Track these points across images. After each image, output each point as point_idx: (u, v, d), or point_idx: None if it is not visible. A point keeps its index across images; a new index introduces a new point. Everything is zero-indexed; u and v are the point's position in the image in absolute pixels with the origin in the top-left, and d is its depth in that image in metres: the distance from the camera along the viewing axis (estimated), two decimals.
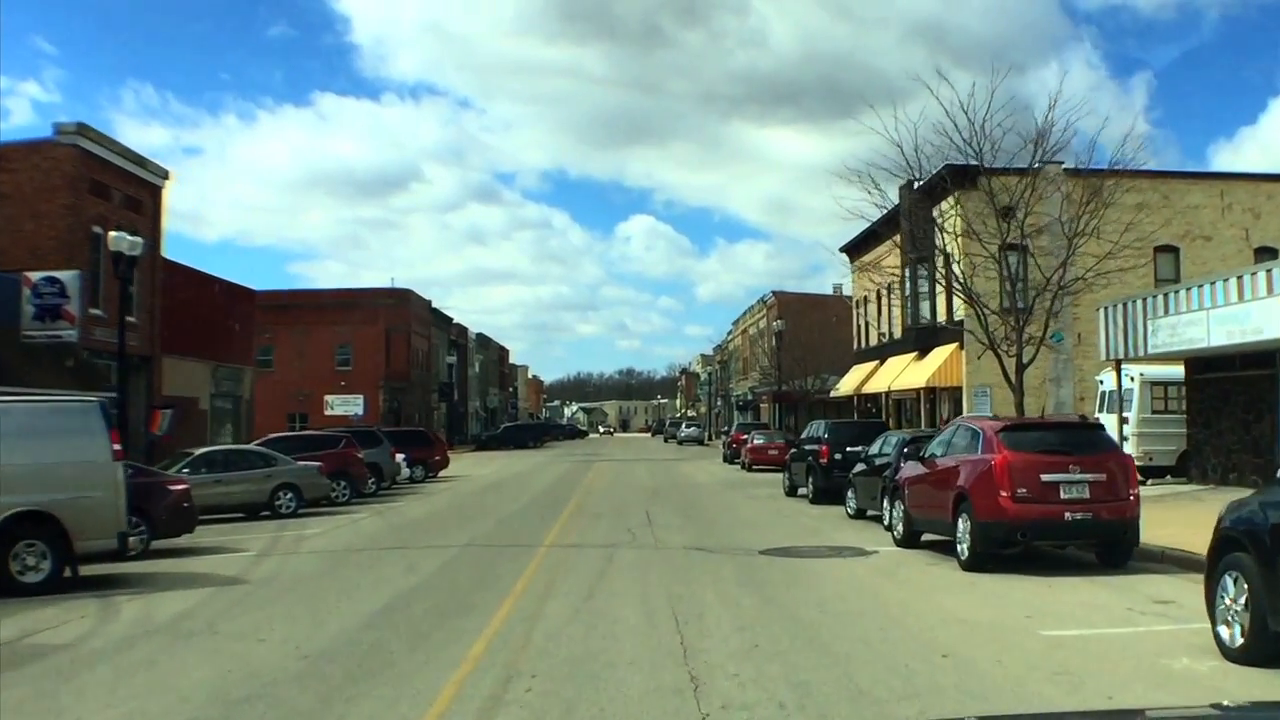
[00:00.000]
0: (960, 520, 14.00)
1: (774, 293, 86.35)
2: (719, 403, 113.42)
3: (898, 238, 51.61)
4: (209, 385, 41.23)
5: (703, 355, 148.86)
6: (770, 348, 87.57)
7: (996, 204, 30.94)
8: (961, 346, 41.38)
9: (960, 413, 42.55)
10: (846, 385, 53.93)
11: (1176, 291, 25.55)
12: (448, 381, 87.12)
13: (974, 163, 27.21)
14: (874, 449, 21.13)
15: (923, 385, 42.12)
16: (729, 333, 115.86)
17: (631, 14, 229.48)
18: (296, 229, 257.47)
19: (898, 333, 50.32)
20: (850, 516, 21.42)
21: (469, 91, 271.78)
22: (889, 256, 54.72)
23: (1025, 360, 25.57)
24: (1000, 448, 13.78)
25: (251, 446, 25.43)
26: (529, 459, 60.51)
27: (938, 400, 44.15)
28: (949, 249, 39.27)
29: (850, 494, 21.49)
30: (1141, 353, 26.86)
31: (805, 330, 57.57)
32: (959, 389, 41.59)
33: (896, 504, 16.71)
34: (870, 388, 51.57)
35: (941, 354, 42.44)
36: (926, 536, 16.13)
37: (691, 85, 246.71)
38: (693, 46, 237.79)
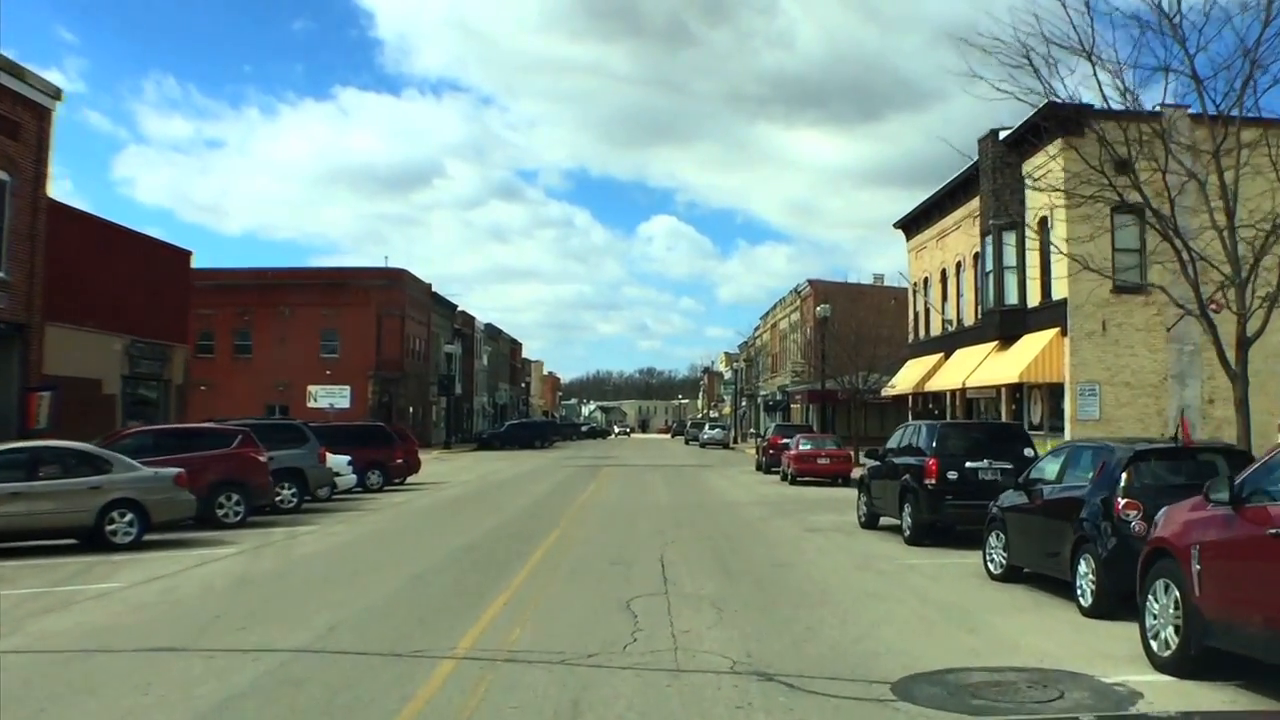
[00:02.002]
0: None
1: (810, 281, 77.80)
2: (744, 403, 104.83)
3: (975, 204, 43.08)
4: (119, 365, 33.10)
5: (726, 353, 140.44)
6: (807, 341, 79.14)
7: (1133, 151, 22.48)
8: (1064, 332, 32.81)
9: (1059, 415, 34.05)
10: (903, 382, 45.31)
11: None
12: (448, 374, 78.81)
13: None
14: (1048, 471, 12.66)
15: (1014, 380, 33.53)
16: (756, 328, 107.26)
17: (658, 11, 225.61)
18: (318, 223, 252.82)
19: (970, 319, 41.75)
20: (995, 576, 13.03)
21: (492, 88, 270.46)
22: (955, 232, 46.23)
23: (1251, 333, 16.97)
24: None
25: (78, 445, 17.21)
26: (529, 461, 52.27)
27: (1026, 399, 35.58)
28: (1045, 211, 31.02)
29: (996, 539, 13.09)
30: None
31: (846, 323, 48.93)
32: (1058, 386, 33.04)
33: (1160, 586, 8.22)
34: (935, 384, 42.96)
35: (1035, 342, 33.86)
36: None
37: (717, 85, 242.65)
38: (719, 46, 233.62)
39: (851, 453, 33.60)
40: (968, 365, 38.88)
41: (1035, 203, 35.70)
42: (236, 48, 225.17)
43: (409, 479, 34.15)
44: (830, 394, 68.09)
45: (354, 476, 27.95)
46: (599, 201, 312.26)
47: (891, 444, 18.96)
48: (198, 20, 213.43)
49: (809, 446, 33.16)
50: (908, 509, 16.93)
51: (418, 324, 75.87)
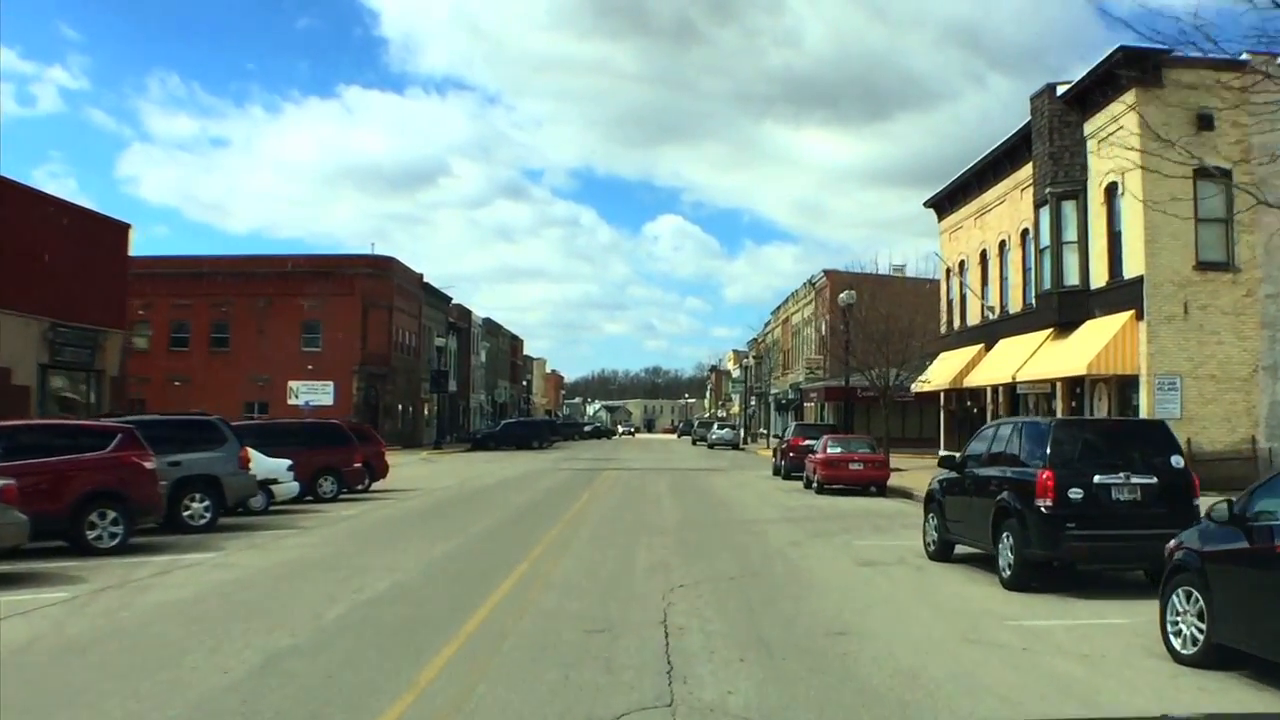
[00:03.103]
0: None
1: (825, 272, 73.04)
2: (753, 402, 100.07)
3: (1024, 173, 38.20)
4: (37, 351, 28.44)
5: (735, 351, 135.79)
6: (822, 336, 74.29)
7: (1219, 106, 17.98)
8: (1140, 316, 28.00)
9: (1131, 413, 29.28)
10: (938, 377, 40.48)
11: None
12: (441, 369, 74.02)
13: None
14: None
15: (1080, 372, 28.75)
16: (767, 323, 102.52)
17: (665, 10, 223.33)
18: (324, 222, 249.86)
19: (1016, 304, 36.96)
20: (1185, 658, 8.29)
21: (498, 87, 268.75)
22: (998, 207, 41.35)
23: None
24: None
25: None
26: (522, 464, 47.57)
27: (1088, 395, 30.81)
28: (1114, 175, 26.79)
29: (1187, 600, 8.36)
30: None
31: (872, 314, 43.96)
32: (1130, 379, 28.26)
33: None
34: (975, 379, 38.16)
35: (1102, 329, 29.08)
36: None
37: (724, 84, 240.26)
38: (726, 44, 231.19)
39: (887, 457, 28.80)
40: (1016, 356, 34.11)
41: (1100, 167, 30.93)
42: (240, 45, 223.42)
43: (374, 486, 29.49)
44: (850, 391, 63.00)
45: (296, 484, 23.23)
46: (605, 201, 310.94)
47: (974, 449, 14.21)
48: (200, 17, 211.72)
49: (839, 450, 28.38)
50: (1007, 540, 12.15)
51: (407, 316, 71.19)
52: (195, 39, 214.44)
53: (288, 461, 23.14)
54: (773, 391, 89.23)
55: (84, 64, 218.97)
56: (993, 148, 38.51)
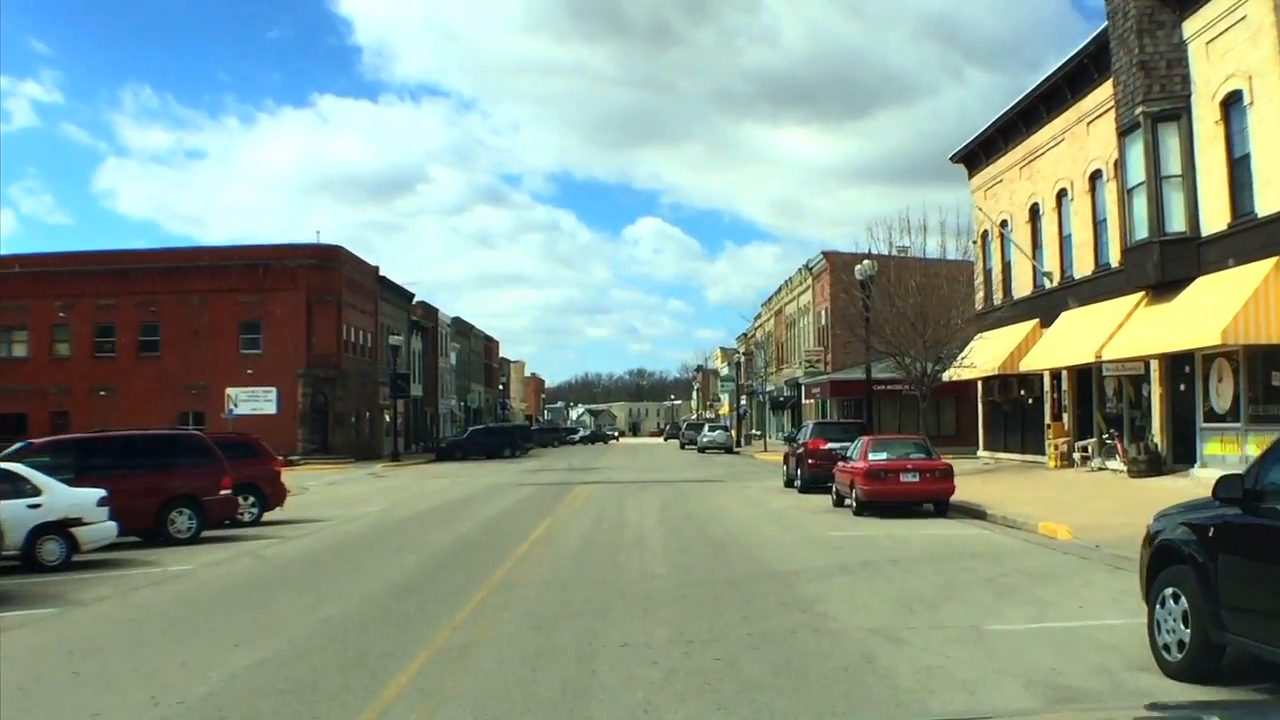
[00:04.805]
0: None
1: (824, 254, 65.76)
2: (743, 401, 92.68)
3: (1091, 101, 30.99)
4: None
5: (723, 349, 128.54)
6: (823, 325, 67.03)
7: None
8: None
9: (1276, 397, 22.12)
10: (987, 360, 33.17)
11: None
12: (401, 372, 66.33)
13: None
14: None
15: (1212, 342, 21.52)
16: (757, 316, 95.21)
17: (641, 11, 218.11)
18: (302, 233, 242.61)
19: (1084, 267, 29.79)
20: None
21: (474, 92, 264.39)
22: (1053, 149, 34.01)
23: None
24: None
25: None
26: (486, 476, 40.29)
27: (1199, 376, 23.65)
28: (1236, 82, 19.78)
29: None
30: None
31: (893, 291, 36.55)
32: (1275, 350, 21.09)
33: None
34: (1034, 363, 30.95)
35: (1228, 285, 21.86)
36: None
37: (702, 84, 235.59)
38: (703, 45, 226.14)
39: (949, 463, 21.56)
40: (1094, 331, 26.91)
41: (1211, 75, 23.70)
42: (212, 56, 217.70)
43: (265, 516, 22.17)
44: (856, 385, 55.74)
45: (111, 525, 15.86)
46: (585, 204, 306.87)
47: (1274, 472, 6.88)
48: (170, 28, 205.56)
49: (884, 456, 21.05)
50: None
51: (360, 313, 63.64)
52: (166, 50, 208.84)
53: (98, 492, 15.81)
54: (767, 389, 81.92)
55: (56, 78, 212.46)
56: (1045, 76, 31.40)
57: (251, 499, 22.11)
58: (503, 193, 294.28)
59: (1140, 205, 25.04)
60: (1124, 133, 25.46)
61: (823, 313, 66.93)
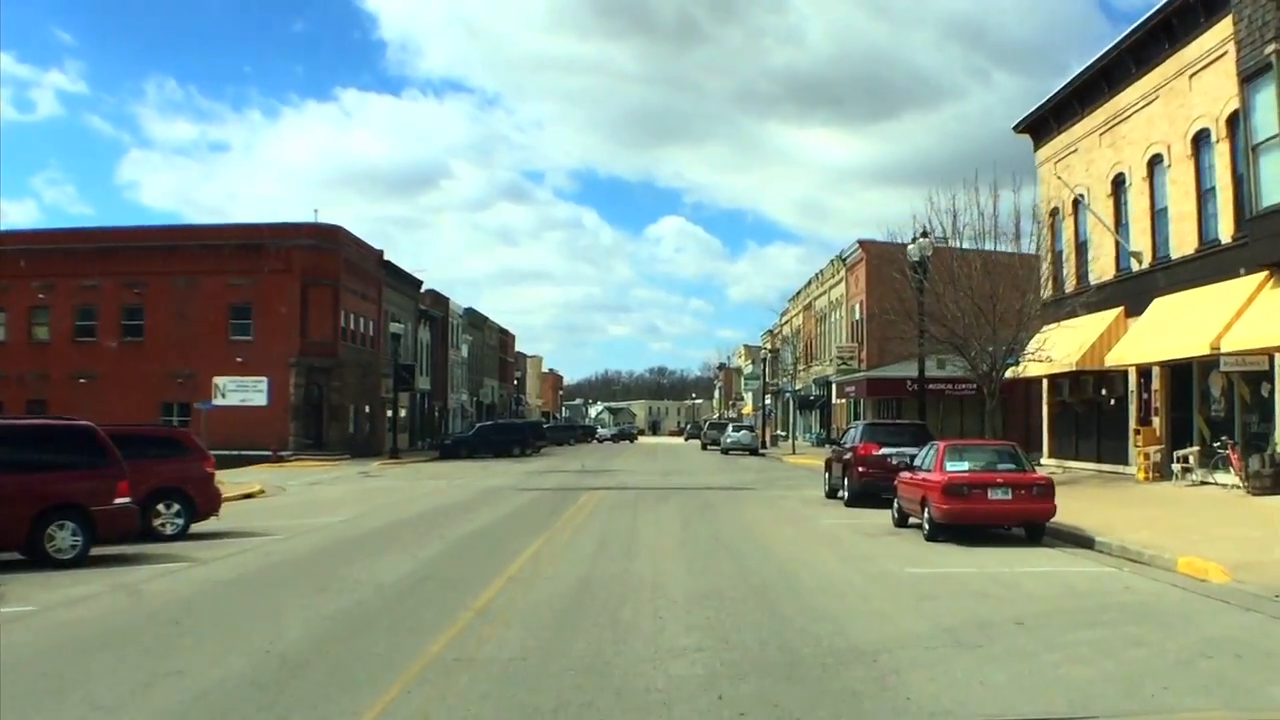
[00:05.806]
0: None
1: (860, 243, 61.13)
2: (767, 400, 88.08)
3: (1194, 50, 26.35)
4: None
5: (747, 346, 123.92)
6: (857, 320, 62.51)
7: None
8: None
9: None
10: (1063, 354, 28.58)
11: None
12: (405, 363, 62.16)
13: None
14: None
15: None
16: (784, 312, 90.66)
17: (667, 9, 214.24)
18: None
19: (1183, 245, 25.26)
20: None
21: (498, 88, 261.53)
22: (1144, 109, 29.29)
23: None
24: None
25: None
26: (488, 478, 36.10)
27: None
28: None
29: None
30: None
31: (956, 274, 31.98)
32: None
33: None
34: (1122, 356, 26.38)
35: None
36: None
37: (727, 84, 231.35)
38: (729, 44, 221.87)
39: (1049, 477, 17.11)
40: (1203, 319, 22.35)
41: None
42: (236, 49, 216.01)
43: (193, 527, 17.97)
44: (894, 384, 51.37)
45: None
46: (607, 202, 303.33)
47: None
48: (195, 20, 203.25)
49: (966, 466, 16.62)
50: None
51: (361, 299, 59.49)
52: (191, 43, 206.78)
53: None
54: (794, 387, 77.36)
55: (80, 68, 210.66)
56: (1135, 24, 26.86)
57: (176, 507, 17.96)
58: (525, 189, 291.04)
59: (1265, 167, 20.53)
60: (1248, 78, 20.92)
61: (857, 306, 62.44)
